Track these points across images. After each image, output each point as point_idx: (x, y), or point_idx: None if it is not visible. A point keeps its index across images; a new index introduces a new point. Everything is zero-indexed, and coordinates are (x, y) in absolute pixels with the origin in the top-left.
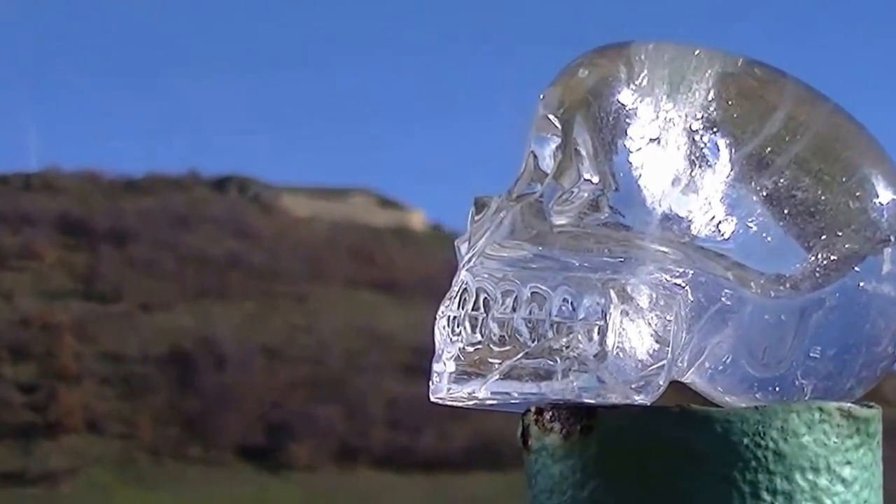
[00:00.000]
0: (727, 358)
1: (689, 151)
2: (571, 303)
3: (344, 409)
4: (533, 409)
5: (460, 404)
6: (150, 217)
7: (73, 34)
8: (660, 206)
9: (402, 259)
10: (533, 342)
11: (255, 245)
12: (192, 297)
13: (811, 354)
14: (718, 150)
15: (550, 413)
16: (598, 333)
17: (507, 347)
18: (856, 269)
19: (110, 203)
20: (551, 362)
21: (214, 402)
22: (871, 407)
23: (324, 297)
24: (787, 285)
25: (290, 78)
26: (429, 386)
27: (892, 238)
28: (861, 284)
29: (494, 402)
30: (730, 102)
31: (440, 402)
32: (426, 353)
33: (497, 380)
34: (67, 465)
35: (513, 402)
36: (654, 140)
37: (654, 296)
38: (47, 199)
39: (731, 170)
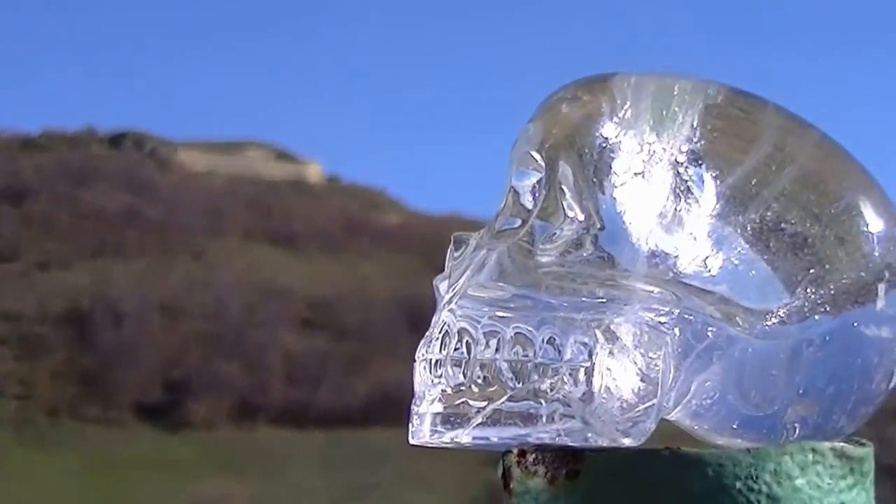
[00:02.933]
0: (714, 396)
1: (674, 185)
2: (556, 344)
3: (242, 364)
4: (515, 449)
5: (438, 446)
6: (47, 174)
7: None
8: (646, 243)
9: (299, 212)
10: (517, 384)
11: (153, 200)
12: (90, 255)
13: (801, 392)
14: (704, 183)
15: (534, 455)
16: (585, 375)
17: (491, 390)
18: (847, 306)
19: (7, 161)
20: (536, 405)
21: (112, 361)
22: (863, 445)
23: (221, 252)
24: (775, 321)
25: (181, 31)
26: (409, 428)
27: (887, 273)
28: (854, 322)
29: (478, 445)
30: (715, 134)
31: (421, 444)
32: (323, 307)
33: (480, 424)
34: None
35: (496, 445)
36: (639, 174)
37: (641, 335)
38: None
39: (717, 203)
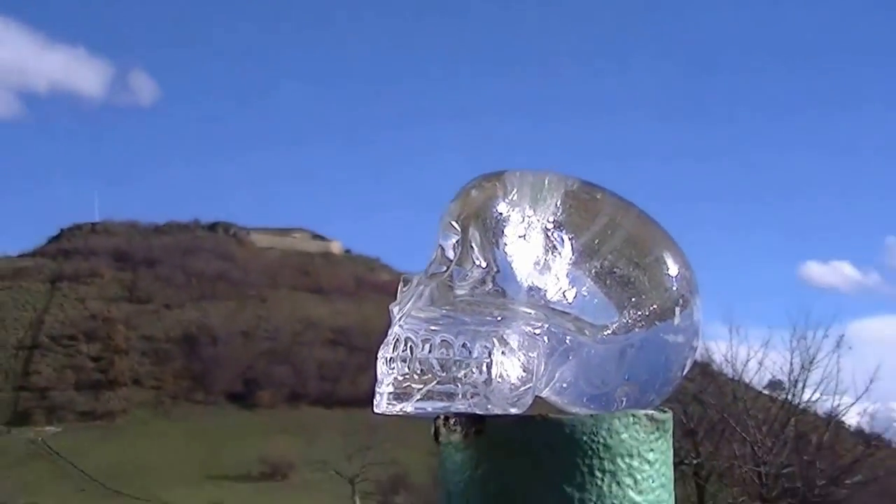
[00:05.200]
0: (570, 381)
1: (544, 244)
2: (468, 347)
3: (291, 368)
4: (442, 416)
5: (394, 414)
6: (169, 249)
7: None
8: (526, 281)
9: (326, 273)
10: (443, 374)
11: (234, 266)
12: (196, 300)
13: (626, 378)
14: (563, 242)
15: (454, 420)
16: (486, 367)
17: (426, 377)
18: (656, 323)
19: (145, 241)
20: (455, 387)
21: (211, 366)
22: (665, 412)
23: (277, 298)
24: (610, 332)
25: (254, 155)
26: (373, 402)
27: (681, 301)
28: (661, 333)
29: (418, 413)
30: (571, 210)
31: (381, 413)
32: (342, 333)
33: (419, 400)
34: (120, 407)
35: (429, 413)
36: (522, 237)
37: (523, 341)
38: (105, 239)
39: (572, 255)
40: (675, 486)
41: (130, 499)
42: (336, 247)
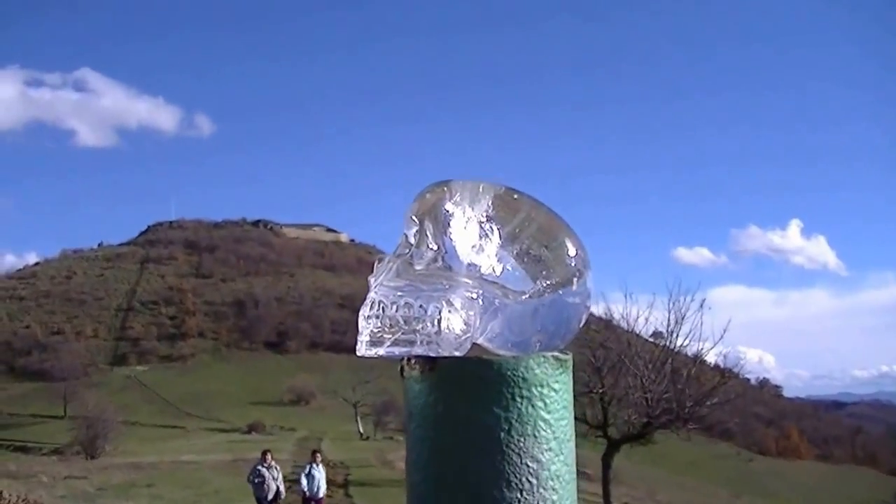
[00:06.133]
0: (498, 332)
1: (479, 232)
2: (424, 307)
3: (312, 324)
4: (406, 357)
5: (370, 357)
6: (224, 239)
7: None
8: (466, 259)
9: (337, 256)
10: (406, 327)
11: (272, 250)
12: (244, 275)
13: (538, 329)
14: (493, 231)
15: (414, 360)
16: (438, 322)
17: (393, 329)
18: (560, 289)
19: (208, 233)
20: (414, 336)
21: (254, 322)
22: (567, 353)
23: (302, 274)
24: (527, 296)
25: (286, 171)
26: (356, 347)
27: (577, 273)
28: (563, 297)
29: (388, 355)
30: (498, 208)
31: (361, 356)
32: (349, 298)
33: (388, 346)
34: (190, 352)
35: (396, 356)
36: (463, 227)
37: (464, 302)
38: (179, 232)
39: (500, 241)
40: (585, 408)
41: (196, 418)
42: (344, 237)
